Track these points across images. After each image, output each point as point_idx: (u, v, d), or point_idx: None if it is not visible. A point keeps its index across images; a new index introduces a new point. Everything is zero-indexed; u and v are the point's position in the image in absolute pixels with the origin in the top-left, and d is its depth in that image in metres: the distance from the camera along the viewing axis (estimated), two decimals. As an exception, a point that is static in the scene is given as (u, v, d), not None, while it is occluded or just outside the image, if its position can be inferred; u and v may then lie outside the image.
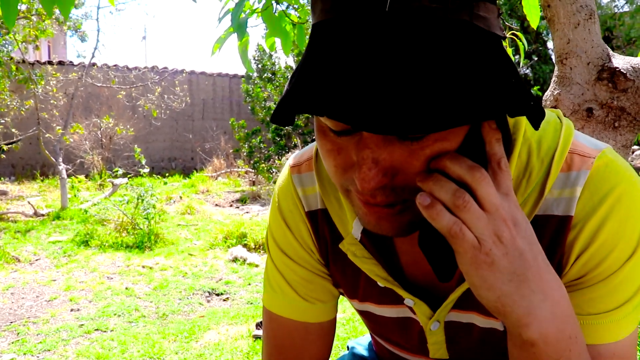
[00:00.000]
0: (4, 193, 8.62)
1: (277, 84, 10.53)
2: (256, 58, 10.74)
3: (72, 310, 3.77)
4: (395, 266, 0.78)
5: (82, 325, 3.45)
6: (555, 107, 1.49)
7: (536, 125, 0.58)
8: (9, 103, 8.26)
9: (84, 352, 2.97)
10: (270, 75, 10.72)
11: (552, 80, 1.57)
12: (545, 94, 1.59)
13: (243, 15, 2.32)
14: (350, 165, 0.60)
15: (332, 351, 0.92)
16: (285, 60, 11.04)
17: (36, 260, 5.13)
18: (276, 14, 2.58)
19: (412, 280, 0.79)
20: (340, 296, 0.91)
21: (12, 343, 3.18)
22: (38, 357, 2.99)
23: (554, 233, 0.67)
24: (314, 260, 0.85)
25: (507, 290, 0.57)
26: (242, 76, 12.33)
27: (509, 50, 3.06)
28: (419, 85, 0.49)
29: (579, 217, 0.66)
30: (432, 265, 0.62)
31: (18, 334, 3.32)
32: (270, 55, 11.04)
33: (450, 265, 0.62)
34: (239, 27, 2.27)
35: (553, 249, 0.68)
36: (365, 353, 1.10)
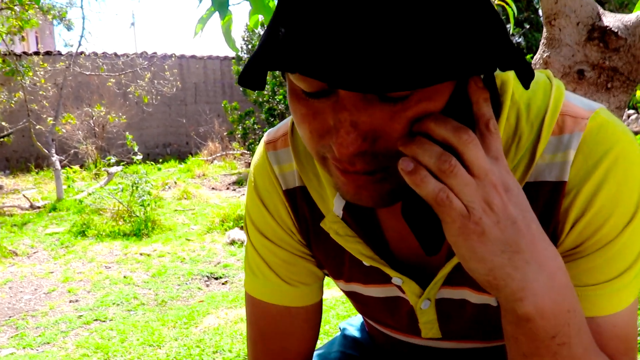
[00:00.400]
0: (-1, 187, 8.57)
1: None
2: (245, 39, 10.60)
3: (70, 301, 3.76)
4: (381, 243, 0.74)
5: (80, 316, 3.43)
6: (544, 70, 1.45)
7: (526, 84, 0.55)
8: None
9: (83, 343, 2.95)
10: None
11: (541, 43, 1.51)
12: (535, 57, 1.54)
13: (223, -8, 2.25)
14: (327, 131, 0.55)
15: (328, 333, 0.88)
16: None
17: (34, 253, 5.11)
18: (258, -10, 2.52)
19: (400, 257, 0.74)
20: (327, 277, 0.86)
21: (12, 337, 3.17)
22: (37, 350, 2.97)
23: (547, 200, 0.63)
24: (295, 241, 0.81)
25: (500, 261, 0.53)
26: (233, 58, 12.20)
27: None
28: (400, 37, 0.46)
29: (574, 182, 0.62)
30: (417, 237, 0.58)
31: (17, 328, 3.31)
32: (260, 35, 10.89)
33: (437, 237, 0.57)
34: (220, 6, 2.21)
35: (547, 217, 0.64)
36: (357, 334, 1.06)
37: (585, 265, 0.63)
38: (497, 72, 0.65)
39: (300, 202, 0.78)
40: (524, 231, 0.53)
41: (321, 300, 0.87)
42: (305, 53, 0.47)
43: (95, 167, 9.53)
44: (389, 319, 0.82)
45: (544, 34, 1.52)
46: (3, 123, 8.48)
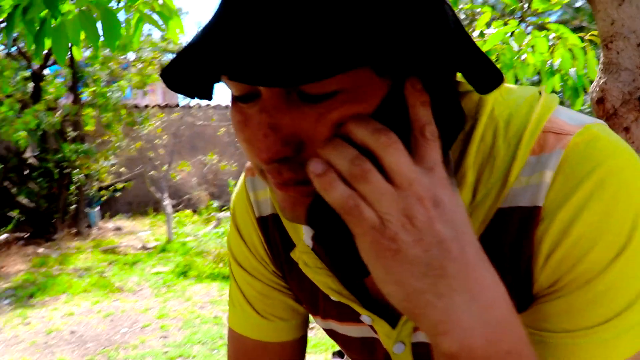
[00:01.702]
0: (118, 228, 9.22)
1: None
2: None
3: (161, 337, 3.91)
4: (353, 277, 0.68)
5: (166, 352, 3.55)
6: (601, 98, 1.32)
7: (480, 88, 0.49)
8: (118, 144, 8.89)
9: (162, 376, 3.04)
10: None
11: (598, 69, 1.39)
12: (592, 85, 1.41)
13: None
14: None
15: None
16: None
17: (139, 290, 5.40)
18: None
19: (374, 293, 0.66)
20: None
21: (102, 367, 3.33)
22: (121, 380, 3.09)
23: (519, 229, 0.54)
24: (269, 272, 0.77)
25: (419, 286, 0.44)
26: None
27: (592, 53, 2.83)
28: (296, 25, 0.43)
29: (550, 207, 0.52)
30: (328, 254, 0.51)
31: (109, 358, 3.47)
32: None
33: (357, 257, 0.47)
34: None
35: (518, 248, 0.55)
36: None
37: (563, 306, 0.52)
38: None
39: (272, 230, 0.74)
40: (454, 254, 0.45)
41: (302, 338, 0.82)
42: (209, 49, 0.45)
43: (207, 211, 9.99)
44: None
45: (601, 58, 1.40)
46: (122, 169, 9.18)
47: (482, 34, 2.59)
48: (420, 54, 0.46)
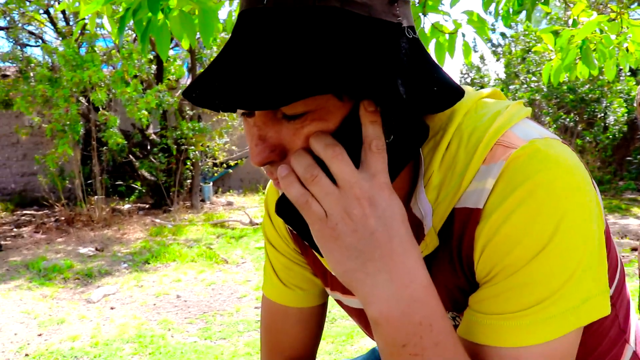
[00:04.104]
0: (230, 203, 9.75)
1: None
2: (463, 72, 10.59)
3: (255, 307, 4.16)
4: None
5: (258, 320, 3.78)
6: None
7: (434, 108, 0.62)
8: (232, 123, 9.34)
9: (250, 343, 3.28)
10: (478, 88, 10.47)
11: None
12: (638, 89, 1.36)
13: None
14: None
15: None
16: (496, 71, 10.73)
17: (242, 263, 5.74)
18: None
19: None
20: None
21: (200, 329, 3.65)
22: (214, 342, 3.39)
23: (463, 225, 0.65)
24: (291, 249, 0.91)
25: (352, 266, 0.58)
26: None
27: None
28: (266, 65, 0.56)
29: (488, 209, 0.62)
30: (296, 231, 0.65)
31: (206, 322, 3.79)
32: (479, 69, 10.79)
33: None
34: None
35: (461, 242, 0.66)
36: None
37: (492, 292, 0.62)
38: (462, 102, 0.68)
39: None
40: (382, 243, 0.57)
41: (320, 308, 0.95)
42: (204, 83, 0.60)
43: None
44: (370, 334, 0.86)
45: None
46: (233, 147, 9.66)
47: (575, 23, 2.50)
48: (371, 84, 0.56)
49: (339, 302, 0.89)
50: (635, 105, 1.36)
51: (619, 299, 0.75)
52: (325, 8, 0.56)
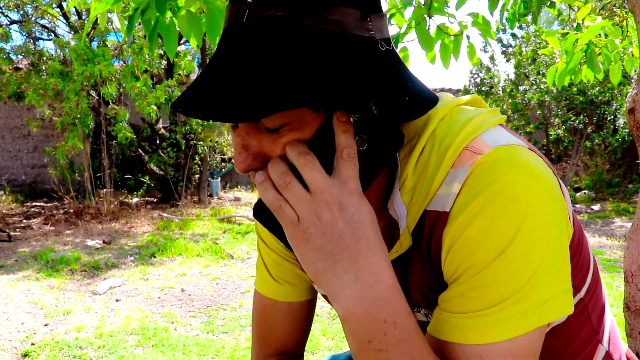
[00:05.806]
0: (237, 199, 9.80)
1: (496, 97, 10.24)
2: (472, 72, 10.60)
3: (258, 302, 4.19)
4: None
5: (260, 315, 3.82)
6: (632, 109, 1.29)
7: (404, 117, 0.65)
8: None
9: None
10: (488, 88, 10.48)
11: (633, 80, 1.35)
12: (627, 96, 1.37)
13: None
14: None
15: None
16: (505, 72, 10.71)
17: (247, 258, 5.78)
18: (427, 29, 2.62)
19: None
20: None
21: (202, 323, 3.69)
22: (216, 336, 3.42)
23: (431, 228, 0.68)
24: (280, 245, 0.95)
25: (322, 266, 0.62)
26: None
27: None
28: (246, 81, 0.60)
29: (454, 213, 0.65)
30: (273, 233, 0.69)
31: (209, 316, 3.83)
32: (489, 69, 10.77)
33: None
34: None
35: (429, 243, 0.69)
36: None
37: (457, 292, 0.65)
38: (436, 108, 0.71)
39: None
40: (349, 244, 0.61)
41: (309, 302, 0.99)
42: (190, 97, 0.64)
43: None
44: None
45: (638, 69, 1.36)
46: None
47: (578, 27, 2.51)
48: (343, 97, 0.60)
49: (325, 297, 0.92)
50: (625, 107, 1.38)
51: (591, 300, 0.77)
52: (300, 25, 0.60)
